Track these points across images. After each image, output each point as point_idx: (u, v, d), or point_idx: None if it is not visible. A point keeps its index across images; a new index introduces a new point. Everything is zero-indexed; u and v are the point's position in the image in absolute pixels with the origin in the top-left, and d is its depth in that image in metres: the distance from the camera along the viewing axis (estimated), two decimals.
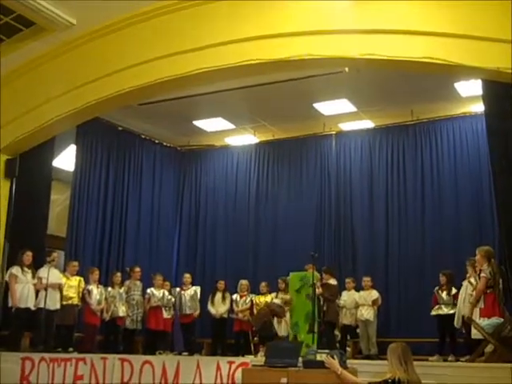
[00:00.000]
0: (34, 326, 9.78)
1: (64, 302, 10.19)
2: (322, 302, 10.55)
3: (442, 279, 10.13)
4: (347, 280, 11.32)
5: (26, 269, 9.75)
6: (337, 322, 10.74)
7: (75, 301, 10.43)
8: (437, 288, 10.19)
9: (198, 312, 11.66)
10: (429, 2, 7.58)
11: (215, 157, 15.17)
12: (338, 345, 10.30)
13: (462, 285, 9.58)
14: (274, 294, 11.49)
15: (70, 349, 9.82)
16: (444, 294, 10.03)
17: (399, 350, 4.99)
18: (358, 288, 11.15)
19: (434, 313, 10.08)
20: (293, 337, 10.29)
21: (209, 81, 9.70)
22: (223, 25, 8.66)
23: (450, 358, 9.46)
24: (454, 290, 9.95)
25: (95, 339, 10.81)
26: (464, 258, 9.61)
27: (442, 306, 10.00)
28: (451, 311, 9.83)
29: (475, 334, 8.30)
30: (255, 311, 11.57)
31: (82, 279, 10.67)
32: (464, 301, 9.25)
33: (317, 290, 10.29)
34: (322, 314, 10.44)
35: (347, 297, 11.05)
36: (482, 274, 8.41)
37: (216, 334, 11.75)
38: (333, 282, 10.70)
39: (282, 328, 10.85)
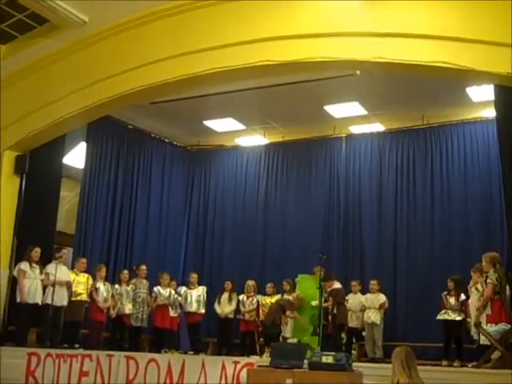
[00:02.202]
0: (41, 321, 9.84)
1: (73, 298, 10.26)
2: (330, 307, 10.52)
3: (450, 284, 10.06)
4: (353, 283, 11.23)
5: (34, 264, 9.83)
6: (346, 323, 10.69)
7: (84, 297, 10.51)
8: (445, 293, 10.12)
9: (203, 311, 11.68)
10: (441, 7, 7.57)
11: (225, 157, 15.15)
12: (343, 347, 10.27)
13: (469, 292, 9.51)
14: (279, 296, 11.48)
15: (76, 345, 9.86)
16: (452, 300, 9.96)
17: (402, 355, 4.98)
18: (365, 291, 11.10)
19: (439, 317, 10.01)
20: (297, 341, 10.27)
21: (220, 81, 9.71)
22: (236, 25, 8.68)
23: (455, 364, 9.42)
24: (462, 297, 9.87)
25: (101, 336, 10.87)
26: (473, 263, 9.51)
27: (449, 312, 9.92)
28: (458, 317, 9.77)
29: (484, 339, 8.26)
30: (261, 312, 11.58)
31: (89, 276, 10.73)
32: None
33: (327, 302, 10.30)
34: (330, 317, 10.42)
35: (353, 300, 10.99)
36: (489, 281, 8.36)
37: (222, 333, 11.77)
38: (337, 285, 10.68)
39: (287, 329, 10.85)
